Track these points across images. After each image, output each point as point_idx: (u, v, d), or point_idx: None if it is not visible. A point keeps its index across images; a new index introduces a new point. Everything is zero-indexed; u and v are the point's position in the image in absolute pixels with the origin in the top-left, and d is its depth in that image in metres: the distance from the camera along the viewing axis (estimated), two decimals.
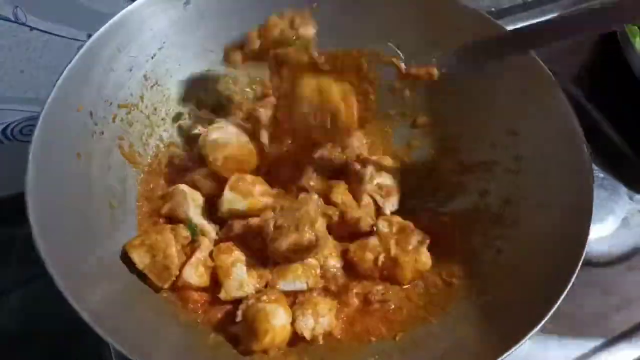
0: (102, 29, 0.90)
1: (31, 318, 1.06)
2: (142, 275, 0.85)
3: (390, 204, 0.97)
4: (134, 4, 0.94)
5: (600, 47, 1.32)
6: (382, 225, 0.93)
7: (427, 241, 0.91)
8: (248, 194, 0.91)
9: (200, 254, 0.87)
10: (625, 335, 0.99)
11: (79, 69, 0.87)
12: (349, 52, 0.87)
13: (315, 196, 0.90)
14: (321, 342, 0.84)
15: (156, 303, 0.85)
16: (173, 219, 0.92)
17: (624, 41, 1.19)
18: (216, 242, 0.91)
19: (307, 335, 0.82)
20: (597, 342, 0.98)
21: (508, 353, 0.72)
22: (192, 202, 0.91)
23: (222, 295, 0.85)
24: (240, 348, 0.81)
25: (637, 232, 1.10)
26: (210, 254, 0.88)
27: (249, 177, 0.92)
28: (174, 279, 0.84)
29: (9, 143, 1.14)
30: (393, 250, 0.90)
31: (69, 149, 0.85)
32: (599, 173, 1.14)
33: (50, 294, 1.08)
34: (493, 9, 1.38)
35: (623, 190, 1.14)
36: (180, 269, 0.85)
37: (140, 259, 0.84)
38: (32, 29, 1.04)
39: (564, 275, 0.78)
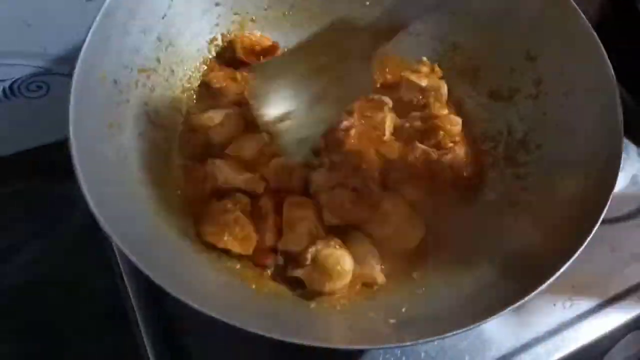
0: None
1: (43, 271, 1.08)
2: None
3: None
4: None
5: (611, 2, 1.29)
6: None
7: None
8: None
9: (271, 220, 0.89)
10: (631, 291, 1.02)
11: (98, 38, 0.84)
12: None
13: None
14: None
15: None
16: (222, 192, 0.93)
17: None
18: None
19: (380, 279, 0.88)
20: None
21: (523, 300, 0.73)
22: (227, 168, 0.92)
23: (280, 245, 0.88)
24: (305, 291, 0.85)
25: None
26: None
27: None
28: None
29: (15, 99, 1.12)
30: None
31: (101, 119, 0.84)
32: None
33: (60, 247, 1.12)
34: None
35: (632, 147, 1.17)
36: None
37: (219, 240, 0.86)
38: None
39: (595, 205, 0.81)
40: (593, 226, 0.79)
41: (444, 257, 0.93)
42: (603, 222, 1.03)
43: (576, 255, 0.77)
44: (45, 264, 1.15)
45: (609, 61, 0.89)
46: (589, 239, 0.78)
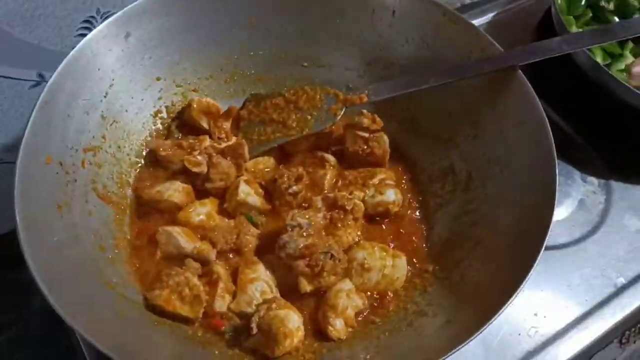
0: (51, 80, 0.90)
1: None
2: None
3: None
4: (76, 48, 0.94)
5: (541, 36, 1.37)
6: None
7: None
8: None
9: (222, 284, 0.90)
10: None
11: (40, 123, 0.86)
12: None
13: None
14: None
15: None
16: (171, 257, 0.94)
17: (561, 31, 1.24)
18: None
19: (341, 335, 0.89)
20: None
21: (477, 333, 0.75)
22: (178, 236, 0.93)
23: (233, 306, 0.89)
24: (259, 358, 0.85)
25: (595, 212, 1.16)
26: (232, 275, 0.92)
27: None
28: (205, 305, 0.87)
29: None
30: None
31: (49, 202, 0.85)
32: None
33: (23, 341, 1.09)
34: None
35: (576, 173, 1.21)
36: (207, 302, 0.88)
37: (167, 303, 0.87)
38: None
39: (537, 233, 0.83)
40: (536, 255, 0.81)
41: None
42: (555, 247, 1.10)
43: (522, 285, 0.79)
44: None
45: (536, 97, 0.94)
46: (533, 267, 0.80)
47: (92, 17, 1.09)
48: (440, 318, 0.86)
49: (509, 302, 0.77)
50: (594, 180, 1.21)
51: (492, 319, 0.75)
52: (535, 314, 1.02)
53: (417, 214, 1.05)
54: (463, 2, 1.46)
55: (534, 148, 0.92)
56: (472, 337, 0.73)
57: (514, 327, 1.00)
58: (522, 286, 0.78)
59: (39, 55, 1.10)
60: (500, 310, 0.76)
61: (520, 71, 0.97)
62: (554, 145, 0.90)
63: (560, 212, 1.15)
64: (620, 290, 1.06)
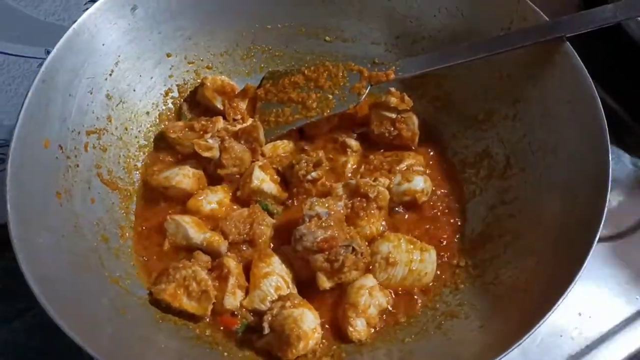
0: (50, 56, 0.83)
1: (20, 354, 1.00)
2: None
3: None
4: (77, 22, 0.87)
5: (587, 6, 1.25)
6: None
7: None
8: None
9: (233, 280, 0.82)
10: None
11: (36, 104, 0.80)
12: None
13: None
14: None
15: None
16: (180, 248, 0.88)
17: None
18: None
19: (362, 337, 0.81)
20: None
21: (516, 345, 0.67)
22: (187, 225, 0.87)
23: (245, 302, 0.82)
24: None
25: None
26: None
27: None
28: (214, 302, 0.81)
29: None
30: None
31: (47, 189, 0.78)
32: None
33: (38, 329, 1.06)
34: None
35: (626, 158, 1.11)
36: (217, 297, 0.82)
37: (173, 298, 0.80)
38: None
39: (588, 225, 0.74)
40: (588, 249, 0.72)
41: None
42: (602, 240, 0.99)
43: (573, 284, 0.69)
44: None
45: (586, 72, 0.83)
46: (585, 264, 0.71)
47: None
48: (472, 321, 0.77)
49: (555, 306, 0.68)
50: None
51: (535, 327, 0.66)
52: (579, 314, 0.94)
53: (448, 203, 0.96)
54: None
55: (583, 130, 0.82)
56: (510, 349, 0.64)
57: (555, 328, 0.92)
58: (572, 286, 0.69)
59: (45, 31, 1.05)
60: (546, 316, 0.67)
61: (568, 43, 0.86)
62: (606, 126, 0.79)
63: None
64: None
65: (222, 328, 0.82)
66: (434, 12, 0.99)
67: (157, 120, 1.00)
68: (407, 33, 1.02)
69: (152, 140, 0.99)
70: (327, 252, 0.81)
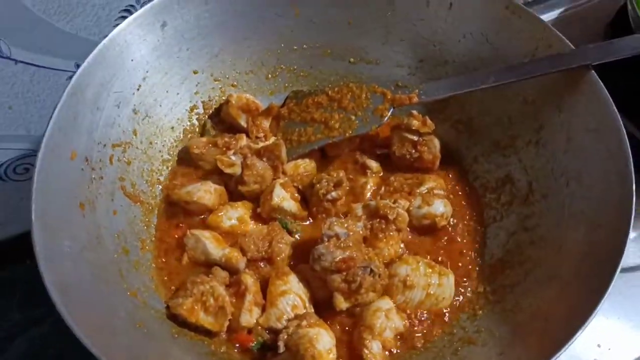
0: (80, 70, 0.85)
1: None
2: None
3: None
4: (108, 37, 0.89)
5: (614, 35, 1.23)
6: None
7: None
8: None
9: (250, 297, 0.82)
10: None
11: (65, 116, 0.81)
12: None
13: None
14: None
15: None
16: (198, 263, 0.88)
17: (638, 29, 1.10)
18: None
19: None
20: None
21: None
22: (207, 241, 0.87)
23: (262, 320, 0.82)
24: None
25: None
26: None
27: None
28: (230, 318, 0.81)
29: (3, 183, 1.10)
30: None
31: (71, 200, 0.79)
32: None
33: (55, 337, 1.07)
34: None
35: None
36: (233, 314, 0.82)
37: (190, 313, 0.81)
38: (17, 62, 0.99)
39: (610, 255, 0.73)
40: (610, 279, 0.71)
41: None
42: (623, 270, 0.96)
43: (594, 315, 0.68)
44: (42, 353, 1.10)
45: (610, 99, 0.82)
46: (607, 294, 0.70)
47: (132, 5, 1.05)
48: (490, 349, 0.76)
49: (576, 336, 0.66)
50: None
51: (555, 357, 0.64)
52: (599, 345, 0.92)
53: (468, 227, 0.95)
54: None
55: (607, 159, 0.81)
56: None
57: (573, 358, 0.90)
58: (593, 316, 0.68)
59: (76, 45, 1.07)
60: (566, 346, 0.66)
61: (593, 71, 0.85)
62: (630, 156, 0.78)
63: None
64: None
65: (237, 345, 0.81)
66: (459, 37, 0.99)
67: (181, 135, 1.01)
68: (431, 57, 1.03)
69: (175, 155, 1.00)
70: (344, 273, 0.81)
